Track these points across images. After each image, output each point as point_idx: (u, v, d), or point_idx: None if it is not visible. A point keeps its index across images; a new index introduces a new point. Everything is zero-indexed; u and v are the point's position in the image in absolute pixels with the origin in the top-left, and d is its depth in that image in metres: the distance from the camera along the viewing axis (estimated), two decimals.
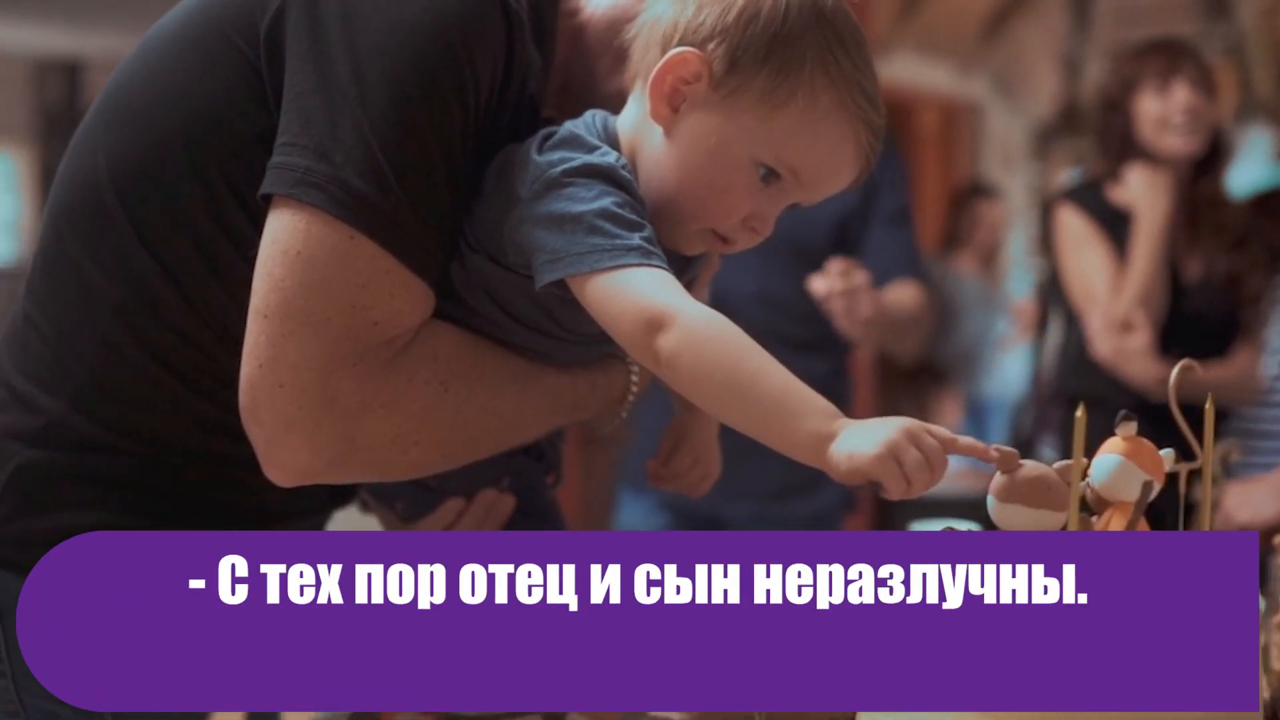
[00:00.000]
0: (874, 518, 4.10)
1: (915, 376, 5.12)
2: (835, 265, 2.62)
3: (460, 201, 1.24)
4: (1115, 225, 3.01)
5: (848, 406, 3.02)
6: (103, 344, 1.30)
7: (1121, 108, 3.03)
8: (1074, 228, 3.05)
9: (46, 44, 8.30)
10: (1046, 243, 3.21)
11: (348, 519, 1.51)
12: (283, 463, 1.22)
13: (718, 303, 3.00)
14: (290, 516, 1.40)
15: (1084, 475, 1.08)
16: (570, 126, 1.26)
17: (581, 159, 1.21)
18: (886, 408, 4.46)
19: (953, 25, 7.29)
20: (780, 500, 2.89)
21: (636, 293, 1.15)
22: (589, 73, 1.36)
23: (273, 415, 1.20)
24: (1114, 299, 2.95)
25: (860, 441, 1.07)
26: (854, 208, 2.92)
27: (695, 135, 1.24)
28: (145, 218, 1.28)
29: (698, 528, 2.94)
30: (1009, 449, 1.09)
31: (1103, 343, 2.96)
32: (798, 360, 3.12)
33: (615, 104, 1.32)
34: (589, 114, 1.29)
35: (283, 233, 1.19)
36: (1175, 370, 1.12)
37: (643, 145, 1.27)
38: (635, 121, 1.28)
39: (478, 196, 1.25)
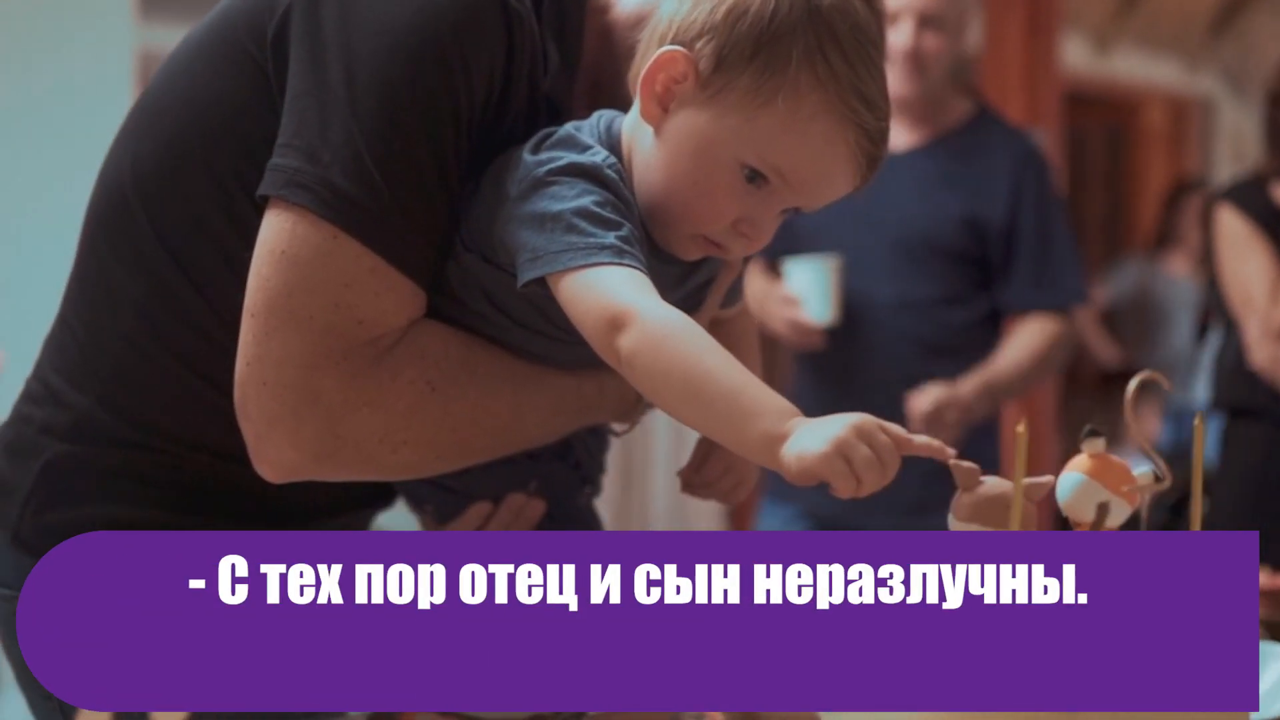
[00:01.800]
0: None
1: (1108, 382, 4.96)
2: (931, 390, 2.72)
3: (453, 202, 1.25)
4: (1278, 227, 2.88)
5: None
6: (126, 342, 1.34)
7: None
8: (1233, 229, 2.93)
9: None
10: (1206, 245, 3.08)
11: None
12: (270, 458, 1.25)
13: (858, 310, 2.98)
14: (318, 515, 1.42)
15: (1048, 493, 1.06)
16: (569, 127, 1.26)
17: (568, 158, 1.21)
18: (1072, 415, 4.34)
19: (1179, 18, 7.08)
20: (919, 514, 2.85)
21: (601, 291, 1.15)
22: (617, 71, 1.35)
23: (259, 411, 1.23)
24: (1273, 305, 2.82)
25: (809, 440, 1.05)
26: (993, 208, 2.85)
27: (681, 135, 1.23)
28: (164, 218, 1.32)
29: None
30: (969, 464, 1.06)
31: (1260, 351, 2.84)
32: (939, 364, 3.07)
33: None
34: (596, 114, 1.30)
35: (271, 232, 1.22)
36: (1133, 382, 1.07)
37: (636, 146, 1.27)
38: (633, 122, 1.28)
39: (475, 196, 1.26)
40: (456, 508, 1.43)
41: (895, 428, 1.07)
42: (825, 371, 2.99)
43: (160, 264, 1.32)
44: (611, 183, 1.21)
